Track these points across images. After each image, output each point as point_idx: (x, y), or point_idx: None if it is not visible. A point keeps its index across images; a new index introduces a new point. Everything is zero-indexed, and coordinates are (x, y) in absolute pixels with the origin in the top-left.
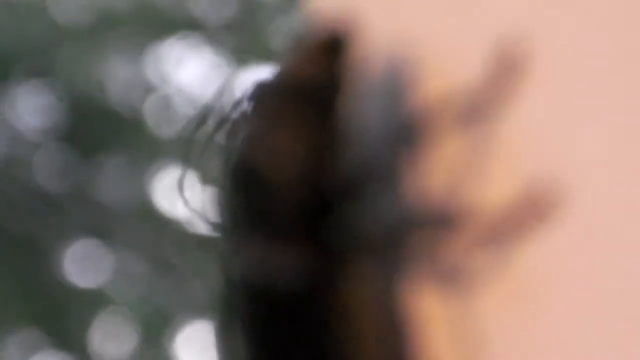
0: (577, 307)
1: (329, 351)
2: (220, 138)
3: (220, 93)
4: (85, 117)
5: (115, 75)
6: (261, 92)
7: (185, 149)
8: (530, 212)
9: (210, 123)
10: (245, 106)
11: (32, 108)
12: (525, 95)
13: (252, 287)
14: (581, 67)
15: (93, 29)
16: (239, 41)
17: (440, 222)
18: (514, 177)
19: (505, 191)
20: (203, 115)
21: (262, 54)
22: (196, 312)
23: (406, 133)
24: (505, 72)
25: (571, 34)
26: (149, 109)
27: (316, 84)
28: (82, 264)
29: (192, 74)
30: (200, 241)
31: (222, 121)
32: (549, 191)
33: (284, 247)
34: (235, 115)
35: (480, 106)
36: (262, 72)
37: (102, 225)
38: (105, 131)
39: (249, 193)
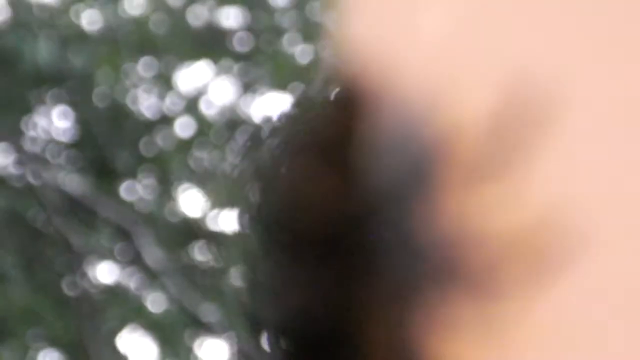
0: (609, 345)
1: None
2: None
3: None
4: (115, 128)
5: (148, 90)
6: (286, 144)
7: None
8: (544, 254)
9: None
10: (272, 151)
11: (65, 117)
12: (546, 143)
13: (281, 317)
14: (601, 112)
15: (129, 48)
16: (264, 66)
17: (454, 257)
18: (527, 222)
19: (517, 234)
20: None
21: (283, 79)
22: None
23: (425, 175)
24: (521, 119)
25: (593, 74)
26: (179, 123)
27: (339, 135)
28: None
29: (221, 95)
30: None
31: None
32: (556, 237)
33: (309, 279)
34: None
35: (495, 157)
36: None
37: (127, 225)
38: (135, 140)
39: (280, 232)
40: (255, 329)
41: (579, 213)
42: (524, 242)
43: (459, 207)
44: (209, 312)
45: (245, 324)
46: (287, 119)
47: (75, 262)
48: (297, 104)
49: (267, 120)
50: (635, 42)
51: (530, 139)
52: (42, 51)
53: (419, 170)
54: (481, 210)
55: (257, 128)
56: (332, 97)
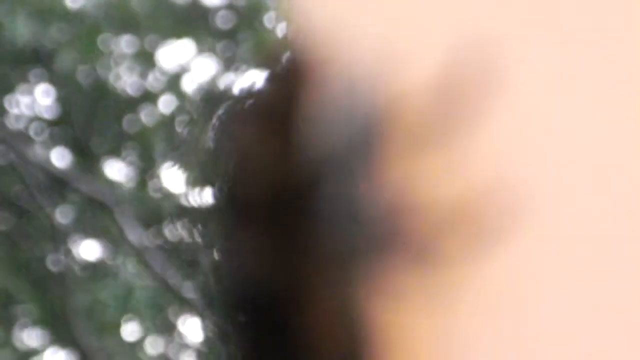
0: (550, 309)
1: (294, 354)
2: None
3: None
4: (98, 105)
5: (130, 68)
6: (238, 110)
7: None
8: (485, 220)
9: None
10: (223, 120)
11: (48, 94)
12: (487, 111)
13: (229, 281)
14: (546, 76)
15: (111, 25)
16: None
17: (397, 223)
18: (469, 186)
19: (459, 200)
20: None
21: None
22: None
23: (370, 143)
24: (464, 87)
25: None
26: (162, 101)
27: (286, 102)
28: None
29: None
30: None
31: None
32: (498, 205)
33: (254, 244)
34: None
35: (439, 124)
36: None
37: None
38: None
39: (228, 197)
40: (209, 294)
41: (520, 181)
42: (466, 211)
43: (402, 175)
44: (191, 288)
45: (204, 291)
46: (237, 90)
47: (59, 239)
48: (248, 77)
49: (220, 91)
50: (581, 13)
51: (474, 107)
52: (21, 28)
53: (364, 138)
54: (425, 179)
55: (214, 99)
56: (279, 68)
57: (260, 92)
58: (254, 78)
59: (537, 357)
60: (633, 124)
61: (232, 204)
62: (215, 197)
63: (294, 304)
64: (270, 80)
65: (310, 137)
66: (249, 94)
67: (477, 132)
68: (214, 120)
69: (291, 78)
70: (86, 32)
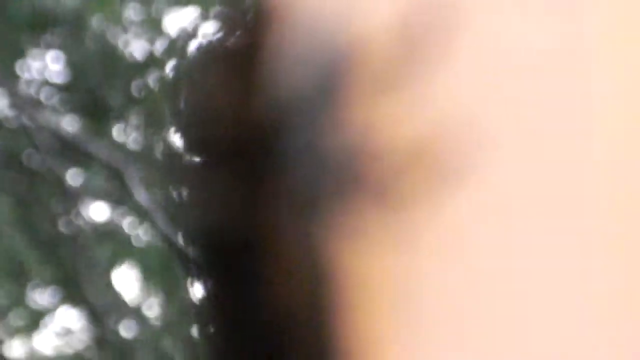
0: (505, 248)
1: (261, 292)
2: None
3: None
4: (109, 72)
5: (138, 34)
6: (202, 53)
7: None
8: (440, 164)
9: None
10: (191, 67)
11: (58, 60)
12: (444, 58)
13: (198, 224)
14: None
15: None
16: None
17: (358, 167)
18: (426, 132)
19: (417, 144)
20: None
21: None
22: None
23: (332, 88)
24: (422, 33)
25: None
26: (169, 66)
27: (249, 47)
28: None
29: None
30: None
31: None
32: (454, 148)
33: (221, 187)
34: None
35: (399, 69)
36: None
37: (119, 165)
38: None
39: (196, 141)
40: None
41: (477, 122)
42: (425, 152)
43: (364, 118)
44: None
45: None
46: (202, 36)
47: (69, 201)
48: (213, 21)
49: (187, 37)
50: None
51: (430, 52)
52: None
53: (326, 81)
54: (385, 121)
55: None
56: (242, 13)
57: (225, 38)
58: (219, 24)
59: (491, 292)
60: (586, 69)
61: (198, 148)
62: (183, 142)
63: (259, 238)
64: (234, 26)
65: (275, 81)
66: (214, 40)
67: (435, 76)
68: (181, 68)
69: (255, 24)
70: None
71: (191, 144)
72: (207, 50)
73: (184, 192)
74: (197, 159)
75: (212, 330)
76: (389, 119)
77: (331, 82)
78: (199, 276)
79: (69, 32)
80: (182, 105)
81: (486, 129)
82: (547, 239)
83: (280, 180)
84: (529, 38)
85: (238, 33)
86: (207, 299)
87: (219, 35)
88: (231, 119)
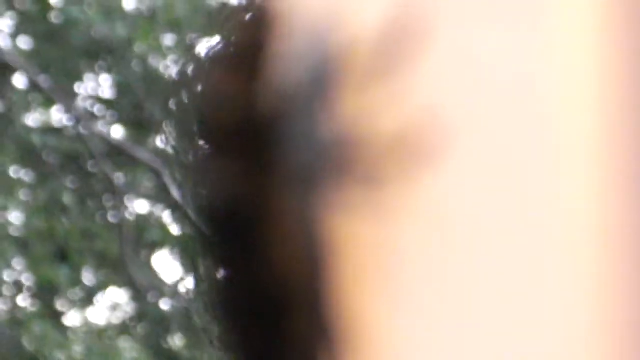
0: (474, 221)
1: (257, 273)
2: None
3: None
4: (151, 90)
5: (175, 59)
6: (212, 53)
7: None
8: (420, 147)
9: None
10: (200, 66)
11: (110, 80)
12: (423, 55)
13: (206, 202)
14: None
15: (160, 25)
16: None
17: (348, 150)
18: (407, 119)
19: (399, 130)
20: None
21: None
22: None
23: (325, 83)
24: (404, 33)
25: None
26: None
27: (251, 45)
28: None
29: None
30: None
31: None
32: (432, 133)
33: (226, 169)
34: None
35: (380, 66)
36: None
37: (158, 167)
38: (165, 99)
39: (203, 129)
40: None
41: (449, 113)
42: (404, 138)
43: (353, 109)
44: None
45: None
46: (212, 34)
47: (117, 197)
48: (220, 23)
49: (195, 40)
50: None
51: (411, 50)
52: (95, 24)
53: (321, 76)
54: (370, 111)
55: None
56: (247, 15)
57: (231, 37)
58: (226, 26)
59: (465, 261)
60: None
61: (206, 134)
62: (192, 130)
63: (261, 216)
64: (240, 26)
65: (276, 75)
66: (221, 40)
67: (413, 71)
68: (191, 66)
69: (259, 24)
70: (141, 30)
71: (201, 135)
72: (214, 50)
73: (195, 182)
74: (206, 147)
75: (218, 299)
76: (374, 109)
77: (324, 76)
78: (216, 256)
79: (117, 57)
80: (190, 101)
81: (457, 116)
82: (512, 214)
83: (280, 164)
84: (497, 39)
85: (243, 33)
86: (216, 272)
87: (226, 36)
88: (237, 111)
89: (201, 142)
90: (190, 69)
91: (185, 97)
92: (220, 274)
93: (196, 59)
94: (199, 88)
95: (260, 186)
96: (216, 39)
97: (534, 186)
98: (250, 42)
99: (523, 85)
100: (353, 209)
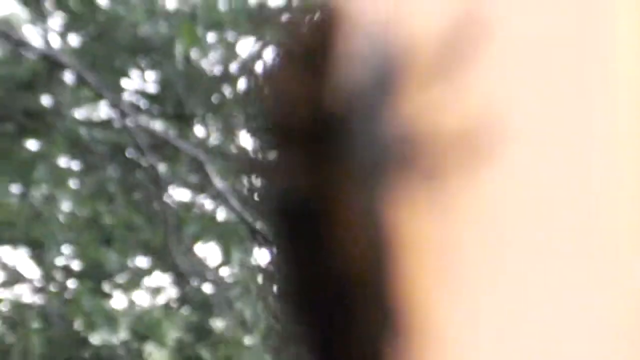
0: (527, 216)
1: (324, 264)
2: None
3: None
4: (194, 85)
5: (216, 56)
6: (278, 54)
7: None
8: (478, 145)
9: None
10: (267, 64)
11: (155, 76)
12: (481, 57)
13: (275, 197)
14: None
15: (202, 23)
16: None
17: (411, 148)
18: (466, 118)
19: (458, 128)
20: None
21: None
22: None
23: (388, 82)
24: (463, 36)
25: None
26: (240, 82)
27: (318, 47)
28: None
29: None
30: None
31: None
32: (489, 131)
33: (295, 166)
34: (260, 70)
35: (442, 66)
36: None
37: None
38: (207, 93)
39: (272, 128)
40: (259, 210)
41: (504, 113)
42: (462, 136)
43: (415, 107)
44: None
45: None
46: (281, 37)
47: (162, 186)
48: (288, 25)
49: (264, 41)
50: None
51: (469, 53)
52: (139, 23)
53: (384, 75)
54: (432, 109)
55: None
56: (315, 18)
57: (301, 38)
58: (294, 27)
59: (515, 252)
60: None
61: (277, 132)
62: (260, 128)
63: (328, 210)
64: (309, 28)
65: (341, 75)
66: (291, 40)
67: (473, 70)
68: (263, 64)
69: (326, 26)
70: (184, 28)
71: (270, 132)
72: (282, 50)
73: (257, 176)
74: (274, 145)
75: (280, 290)
76: (435, 107)
77: (387, 76)
78: (265, 245)
79: (160, 54)
80: (262, 101)
81: (514, 114)
82: (568, 210)
83: (346, 160)
84: (546, 41)
85: (312, 35)
86: (277, 263)
87: (296, 37)
88: (305, 109)
89: (269, 139)
90: (258, 68)
91: (253, 95)
92: (285, 264)
93: (263, 58)
94: (269, 87)
95: (326, 181)
96: (279, 38)
97: (591, 183)
98: (317, 43)
99: (576, 81)
100: (416, 204)
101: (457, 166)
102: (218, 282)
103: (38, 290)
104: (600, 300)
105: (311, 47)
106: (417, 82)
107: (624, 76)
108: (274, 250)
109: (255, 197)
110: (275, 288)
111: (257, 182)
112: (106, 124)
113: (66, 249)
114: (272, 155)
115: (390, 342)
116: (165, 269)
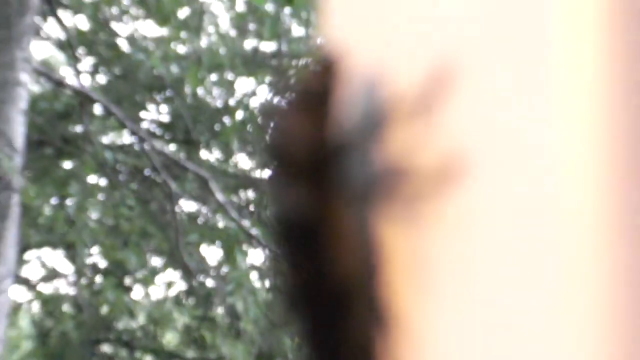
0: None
1: (323, 271)
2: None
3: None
4: (199, 116)
5: (218, 93)
6: (288, 97)
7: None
8: (450, 174)
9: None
10: (278, 105)
11: (167, 108)
12: (452, 102)
13: (281, 216)
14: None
15: (206, 65)
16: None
17: (395, 176)
18: (440, 152)
19: (434, 160)
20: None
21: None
22: None
23: (377, 122)
24: (437, 86)
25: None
26: (238, 113)
27: (318, 96)
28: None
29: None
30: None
31: (268, 114)
32: (459, 163)
33: (299, 191)
34: (273, 110)
35: (419, 109)
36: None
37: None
38: (211, 123)
39: (272, 162)
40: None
41: (471, 149)
42: (435, 168)
43: (399, 143)
44: (257, 229)
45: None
46: (287, 83)
47: (173, 199)
48: (293, 73)
49: (275, 85)
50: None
51: (443, 98)
52: (155, 66)
53: (374, 118)
54: (413, 145)
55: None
56: (317, 68)
57: (305, 84)
58: (298, 74)
59: (483, 266)
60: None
61: (282, 162)
62: (271, 159)
63: (326, 230)
64: (311, 75)
65: (339, 117)
66: (296, 86)
67: (443, 118)
68: (271, 108)
69: (326, 74)
70: (191, 70)
71: (277, 162)
72: (292, 94)
73: (264, 195)
74: (282, 171)
75: (279, 288)
76: (415, 144)
77: (376, 119)
78: (260, 247)
79: (172, 91)
80: (270, 133)
81: (474, 154)
82: (519, 227)
83: (342, 187)
84: (509, 88)
85: (314, 81)
86: (278, 267)
87: (300, 83)
88: (308, 144)
89: (276, 167)
90: (269, 109)
91: (265, 131)
92: (287, 268)
93: (274, 100)
94: (278, 125)
95: (324, 203)
96: (291, 85)
97: (543, 203)
98: (321, 88)
99: (528, 122)
100: (399, 222)
101: (432, 192)
102: (218, 278)
103: (71, 284)
104: (556, 301)
105: (316, 92)
106: (400, 122)
107: (571, 117)
108: (277, 255)
109: (265, 212)
110: (271, 285)
111: (262, 198)
112: (127, 148)
113: (94, 250)
114: (279, 180)
115: (381, 335)
116: (175, 267)
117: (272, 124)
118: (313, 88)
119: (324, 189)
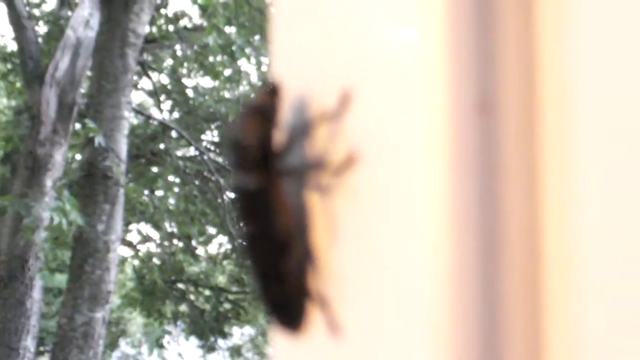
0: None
1: (270, 226)
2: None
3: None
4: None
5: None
6: (245, 110)
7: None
8: (350, 163)
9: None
10: (241, 114)
11: (219, 134)
12: (350, 115)
13: (237, 187)
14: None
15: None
16: None
17: (317, 163)
18: (344, 148)
19: (340, 153)
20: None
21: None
22: None
23: (306, 129)
24: (342, 105)
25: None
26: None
27: (266, 109)
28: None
29: None
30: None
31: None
32: (356, 155)
33: (250, 172)
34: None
35: (333, 117)
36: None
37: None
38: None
39: (236, 153)
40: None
41: (361, 148)
42: (341, 159)
43: (319, 143)
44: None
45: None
46: (248, 102)
47: (223, 191)
48: (252, 94)
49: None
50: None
51: (344, 112)
52: (211, 105)
53: (304, 125)
54: (326, 146)
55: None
56: (266, 90)
57: (258, 100)
58: (256, 93)
59: (372, 226)
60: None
61: (239, 158)
62: (232, 149)
63: (271, 198)
64: (263, 94)
65: (280, 123)
66: (252, 101)
67: (346, 125)
68: (235, 117)
69: (272, 95)
70: (233, 109)
71: (236, 157)
72: (250, 107)
73: (233, 183)
74: (238, 164)
75: (248, 244)
76: (329, 142)
77: (305, 126)
78: (246, 219)
79: (221, 121)
80: (231, 139)
81: (367, 146)
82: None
83: (283, 170)
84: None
85: (264, 98)
86: (242, 227)
87: (254, 101)
88: (257, 143)
89: (236, 155)
90: (237, 119)
91: (231, 135)
92: (246, 227)
93: (241, 113)
94: (239, 127)
95: (270, 180)
96: (249, 103)
97: (401, 183)
98: (270, 103)
99: (398, 128)
100: (320, 193)
101: (339, 174)
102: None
103: (158, 246)
104: (407, 244)
105: (265, 106)
106: (320, 128)
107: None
108: (239, 219)
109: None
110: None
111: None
112: (193, 158)
113: (171, 225)
114: (238, 163)
115: (311, 269)
116: (224, 233)
117: (235, 126)
118: (263, 103)
119: (269, 170)
